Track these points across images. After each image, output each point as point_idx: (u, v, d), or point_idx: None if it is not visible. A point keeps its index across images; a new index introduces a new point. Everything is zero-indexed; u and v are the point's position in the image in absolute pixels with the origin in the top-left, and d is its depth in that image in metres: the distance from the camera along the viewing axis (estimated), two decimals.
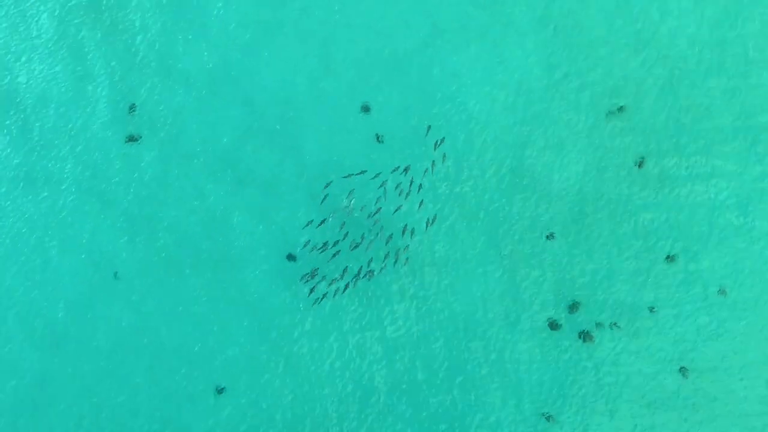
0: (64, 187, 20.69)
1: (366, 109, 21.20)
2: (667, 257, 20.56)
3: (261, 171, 20.95)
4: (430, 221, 20.51)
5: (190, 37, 21.39)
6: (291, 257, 20.60)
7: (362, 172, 20.50)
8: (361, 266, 20.29)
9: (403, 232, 20.53)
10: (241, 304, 20.43)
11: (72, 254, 20.44)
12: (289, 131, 21.09)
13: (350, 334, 20.32)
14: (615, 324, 20.37)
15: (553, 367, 20.27)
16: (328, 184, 20.59)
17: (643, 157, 20.79)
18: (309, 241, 20.49)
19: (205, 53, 21.32)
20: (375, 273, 20.35)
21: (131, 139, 20.97)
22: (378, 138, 21.00)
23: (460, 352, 20.31)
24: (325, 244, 20.38)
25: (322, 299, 20.26)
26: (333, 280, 20.28)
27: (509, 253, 20.62)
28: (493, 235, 20.67)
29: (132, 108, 21.10)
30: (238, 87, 21.23)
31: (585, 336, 20.41)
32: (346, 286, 20.29)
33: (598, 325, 20.43)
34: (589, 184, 20.78)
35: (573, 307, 20.42)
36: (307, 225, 20.50)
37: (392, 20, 21.51)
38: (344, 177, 20.55)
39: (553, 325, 20.43)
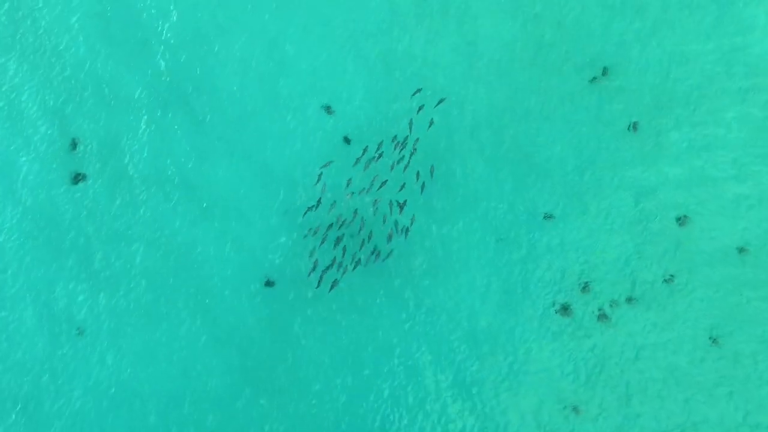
0: (7, 239, 18.84)
1: (329, 109, 19.47)
2: (678, 219, 18.86)
3: (223, 191, 19.18)
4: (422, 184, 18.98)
5: (130, 55, 19.58)
6: (269, 283, 18.80)
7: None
8: (375, 247, 18.86)
9: (401, 207, 19.06)
10: (224, 342, 18.61)
11: (28, 313, 18.56)
12: (247, 144, 19.35)
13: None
14: (631, 299, 18.71)
15: (573, 356, 18.55)
16: (321, 174, 19.14)
17: (636, 121, 19.16)
18: (310, 229, 18.99)
19: (149, 71, 19.53)
20: (380, 255, 18.88)
21: (77, 178, 19.07)
22: (346, 140, 19.27)
23: (469, 361, 18.68)
24: (329, 227, 18.94)
25: (333, 287, 18.63)
26: (339, 263, 18.85)
27: (506, 237, 18.92)
28: (486, 218, 19.03)
29: (74, 144, 19.20)
30: (188, 104, 19.46)
31: (601, 316, 18.73)
32: (357, 264, 18.83)
33: (613, 303, 18.73)
34: (583, 154, 19.11)
35: (584, 288, 18.75)
36: (307, 211, 18.99)
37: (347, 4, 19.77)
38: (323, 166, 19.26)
39: (565, 310, 18.75)
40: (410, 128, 19.16)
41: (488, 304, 18.77)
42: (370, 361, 18.51)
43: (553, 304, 18.71)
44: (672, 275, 18.60)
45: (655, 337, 18.46)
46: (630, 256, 18.84)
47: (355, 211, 19.01)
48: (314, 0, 20.05)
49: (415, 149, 19.09)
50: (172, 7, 19.91)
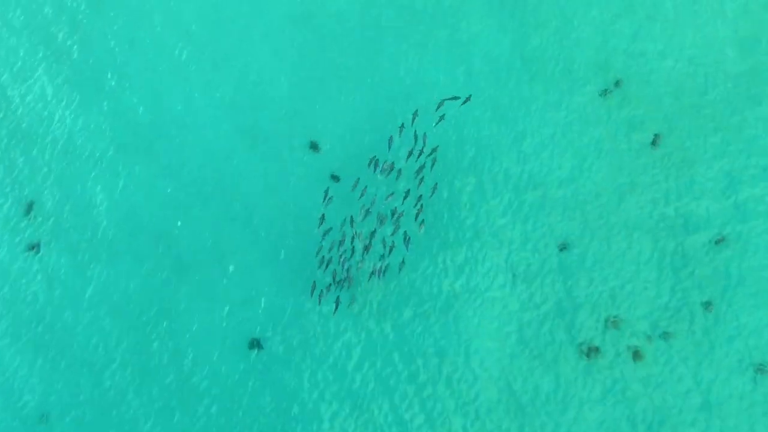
0: None
1: (314, 146, 17.45)
2: (716, 242, 16.70)
3: (200, 247, 17.08)
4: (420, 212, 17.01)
5: (88, 108, 17.62)
6: (255, 344, 16.71)
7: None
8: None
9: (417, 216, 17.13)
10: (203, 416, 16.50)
11: None
12: (224, 192, 17.30)
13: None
14: (667, 333, 16.54)
15: (607, 401, 16.35)
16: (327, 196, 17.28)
17: (657, 134, 17.06)
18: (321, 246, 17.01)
19: (106, 127, 17.51)
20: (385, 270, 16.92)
21: (32, 248, 16.99)
22: (334, 177, 17.20)
23: (488, 417, 16.48)
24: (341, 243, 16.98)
25: (351, 303, 16.72)
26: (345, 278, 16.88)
27: (521, 273, 16.77)
28: (497, 250, 16.89)
29: (29, 208, 17.11)
30: (153, 154, 17.46)
31: (634, 354, 16.56)
32: (379, 271, 16.88)
33: (648, 338, 16.56)
34: (597, 176, 17.02)
35: (613, 323, 16.59)
36: (321, 224, 17.12)
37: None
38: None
39: (592, 351, 16.57)
40: (416, 151, 17.30)
41: (503, 347, 16.61)
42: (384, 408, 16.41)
43: (580, 345, 16.57)
44: (710, 302, 16.46)
45: (694, 372, 16.30)
46: (662, 284, 16.70)
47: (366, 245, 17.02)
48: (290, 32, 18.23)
49: (422, 178, 17.12)
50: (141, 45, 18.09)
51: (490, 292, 16.71)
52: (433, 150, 17.06)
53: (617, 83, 17.14)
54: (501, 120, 17.35)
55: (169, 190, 17.38)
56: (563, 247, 16.75)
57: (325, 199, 17.01)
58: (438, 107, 17.25)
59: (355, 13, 18.32)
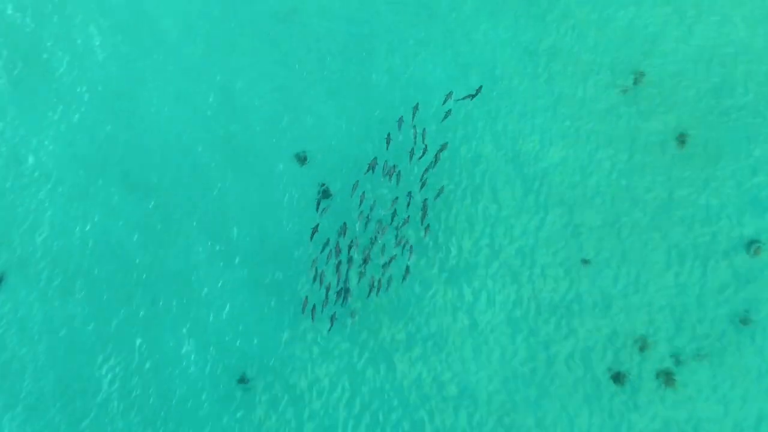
0: None
1: (301, 158, 15.54)
2: (750, 246, 15.05)
3: (176, 272, 15.08)
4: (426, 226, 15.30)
5: (46, 124, 15.52)
6: (243, 380, 14.62)
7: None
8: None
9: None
10: None
11: None
12: (201, 212, 15.36)
13: None
14: (699, 354, 14.81)
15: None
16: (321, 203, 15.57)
17: (682, 133, 15.49)
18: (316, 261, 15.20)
19: (68, 146, 15.43)
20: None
21: None
22: (324, 192, 15.27)
23: None
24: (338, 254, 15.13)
25: (353, 317, 14.78)
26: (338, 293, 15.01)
27: (542, 295, 14.93)
28: (513, 269, 15.01)
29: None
30: (123, 174, 15.57)
31: (666, 379, 14.78)
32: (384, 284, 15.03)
33: (678, 361, 14.82)
34: (621, 182, 15.33)
35: (641, 346, 14.81)
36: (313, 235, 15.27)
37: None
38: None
39: (618, 377, 14.77)
40: (419, 150, 15.56)
41: (519, 380, 14.73)
42: None
43: (608, 371, 14.73)
44: (747, 315, 14.78)
45: (728, 396, 14.56)
46: (691, 299, 14.97)
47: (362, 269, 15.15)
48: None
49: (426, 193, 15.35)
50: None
51: (508, 316, 14.81)
52: (442, 147, 15.26)
53: (636, 80, 15.52)
54: (513, 121, 15.64)
55: (141, 213, 15.34)
56: (586, 262, 14.98)
57: (318, 209, 15.23)
58: (445, 101, 15.52)
59: (344, 8, 16.53)
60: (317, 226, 14.99)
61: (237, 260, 15.11)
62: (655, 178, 15.17)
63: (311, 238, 15.02)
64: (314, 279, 14.89)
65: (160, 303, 14.83)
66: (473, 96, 15.36)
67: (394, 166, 15.25)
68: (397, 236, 15.00)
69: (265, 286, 15.04)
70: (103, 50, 16.24)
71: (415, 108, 15.38)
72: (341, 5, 16.47)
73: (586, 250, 15.06)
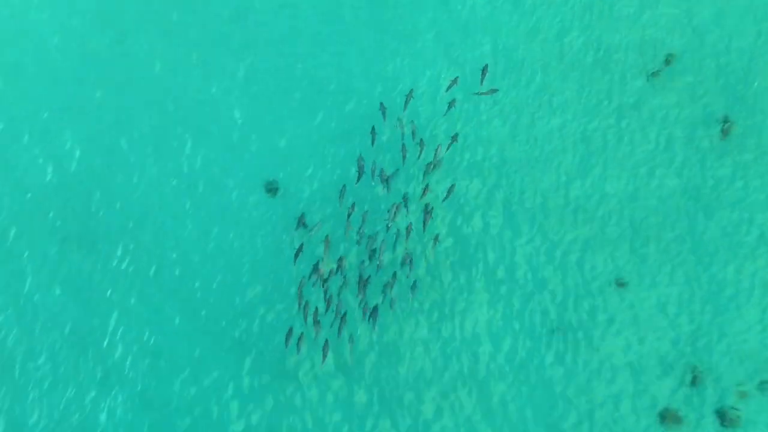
0: None
1: (271, 188, 13.16)
2: None
3: (132, 335, 12.68)
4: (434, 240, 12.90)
5: None
6: None
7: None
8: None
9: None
10: None
11: None
12: (156, 258, 13.07)
13: None
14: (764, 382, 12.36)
15: None
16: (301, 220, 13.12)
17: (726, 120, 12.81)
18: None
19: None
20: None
21: None
22: (301, 222, 12.91)
23: None
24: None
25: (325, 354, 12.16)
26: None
27: (564, 325, 12.49)
28: (533, 299, 12.50)
29: None
30: (59, 215, 13.13)
31: (726, 419, 12.35)
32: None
33: (742, 394, 12.37)
34: (651, 185, 12.79)
35: (692, 380, 12.38)
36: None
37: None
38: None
39: (670, 416, 12.37)
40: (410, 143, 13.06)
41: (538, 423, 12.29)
42: None
43: (661, 413, 12.29)
44: None
45: None
46: (752, 319, 12.39)
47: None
48: None
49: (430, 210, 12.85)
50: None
51: (529, 352, 12.41)
52: (453, 138, 12.95)
53: (668, 61, 12.94)
54: (523, 121, 13.18)
55: (84, 259, 13.04)
56: (621, 284, 12.49)
57: (298, 225, 13.01)
58: (449, 87, 13.19)
59: (312, 2, 14.11)
60: (301, 245, 12.67)
61: (200, 311, 12.81)
62: (703, 181, 12.62)
63: (295, 259, 12.68)
64: (299, 308, 12.54)
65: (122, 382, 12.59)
66: (493, 90, 12.97)
67: (382, 169, 12.90)
68: (404, 258, 12.65)
69: (236, 340, 12.71)
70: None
71: (409, 96, 13.09)
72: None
73: (621, 269, 12.57)
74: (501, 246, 12.62)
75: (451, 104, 13.04)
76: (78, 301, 12.89)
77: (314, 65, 13.74)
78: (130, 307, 12.66)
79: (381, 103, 13.05)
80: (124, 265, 12.89)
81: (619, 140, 12.84)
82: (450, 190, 12.65)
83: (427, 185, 12.73)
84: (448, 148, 12.89)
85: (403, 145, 12.82)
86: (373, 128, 12.92)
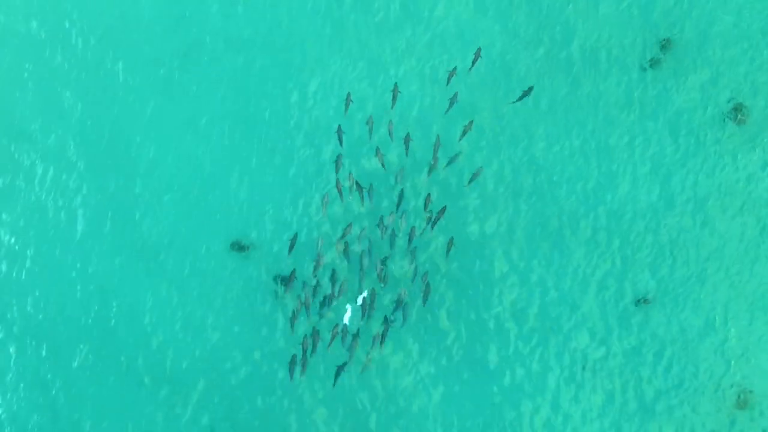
0: None
1: (240, 246, 11.63)
2: None
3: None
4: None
5: None
6: None
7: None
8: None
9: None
10: None
11: None
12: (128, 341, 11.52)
13: None
14: None
15: None
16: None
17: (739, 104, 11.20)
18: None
19: None
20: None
21: None
22: (281, 279, 11.42)
23: None
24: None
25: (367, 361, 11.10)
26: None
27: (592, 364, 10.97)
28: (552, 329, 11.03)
29: None
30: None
31: None
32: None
33: None
34: (667, 187, 11.23)
35: (739, 402, 10.89)
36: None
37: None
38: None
39: None
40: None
41: None
42: None
43: None
44: None
45: None
46: None
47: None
48: None
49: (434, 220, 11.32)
50: None
51: (554, 390, 10.92)
52: (455, 157, 11.44)
53: (664, 46, 11.40)
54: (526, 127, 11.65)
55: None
56: (645, 301, 10.96)
57: (291, 249, 11.48)
58: (448, 80, 11.62)
59: (265, 21, 12.53)
60: (295, 236, 11.33)
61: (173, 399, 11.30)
62: (707, 166, 11.14)
63: (292, 325, 11.19)
64: (291, 325, 11.26)
65: None
66: (527, 93, 11.44)
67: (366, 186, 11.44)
68: (414, 273, 11.22)
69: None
70: None
71: (394, 90, 11.58)
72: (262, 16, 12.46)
73: (647, 286, 11.04)
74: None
75: (453, 100, 11.46)
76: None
77: (271, 105, 12.16)
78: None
79: (339, 126, 11.49)
80: (90, 361, 11.45)
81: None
82: (475, 174, 11.22)
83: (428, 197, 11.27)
84: (448, 164, 11.31)
85: (378, 148, 11.36)
86: (339, 127, 11.49)
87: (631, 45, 11.43)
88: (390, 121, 11.50)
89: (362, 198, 11.34)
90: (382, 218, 11.19)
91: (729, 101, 11.08)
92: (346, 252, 11.24)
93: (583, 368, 10.88)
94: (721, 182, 10.95)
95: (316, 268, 11.28)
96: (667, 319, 10.83)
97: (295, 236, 11.33)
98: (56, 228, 12.10)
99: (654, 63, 11.25)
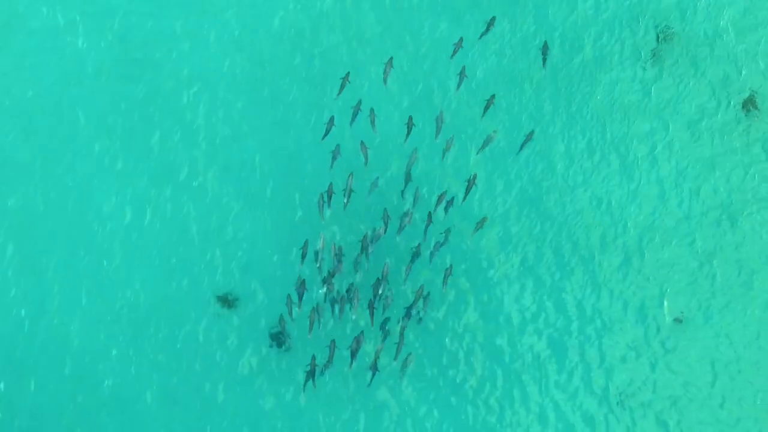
0: None
1: (226, 301, 10.51)
2: None
3: None
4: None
5: None
6: None
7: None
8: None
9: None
10: None
11: None
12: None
13: None
14: None
15: None
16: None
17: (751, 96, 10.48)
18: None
19: None
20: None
21: None
22: (278, 337, 10.33)
23: None
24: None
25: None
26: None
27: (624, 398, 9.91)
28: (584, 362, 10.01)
29: None
30: None
31: None
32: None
33: None
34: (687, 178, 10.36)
35: None
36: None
37: None
38: None
39: None
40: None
41: None
42: None
43: None
44: None
45: None
46: None
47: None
48: None
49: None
50: None
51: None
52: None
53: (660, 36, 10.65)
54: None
55: None
56: (679, 320, 10.00)
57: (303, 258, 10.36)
58: (454, 52, 10.71)
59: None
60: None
61: None
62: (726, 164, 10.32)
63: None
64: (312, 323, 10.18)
65: None
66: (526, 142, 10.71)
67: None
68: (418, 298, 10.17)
69: None
70: None
71: (388, 64, 10.69)
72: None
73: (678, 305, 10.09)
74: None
75: (461, 76, 10.54)
76: None
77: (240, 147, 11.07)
78: None
79: (337, 146, 10.46)
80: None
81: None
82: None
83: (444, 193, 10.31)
84: (466, 194, 10.32)
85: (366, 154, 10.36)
86: (331, 118, 10.52)
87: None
88: (371, 109, 10.39)
89: (347, 199, 10.28)
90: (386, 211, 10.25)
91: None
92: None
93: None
94: None
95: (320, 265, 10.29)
96: None
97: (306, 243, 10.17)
98: None
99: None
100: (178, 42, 11.25)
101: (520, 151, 10.47)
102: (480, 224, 10.23)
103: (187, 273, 10.57)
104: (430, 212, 10.19)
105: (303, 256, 10.22)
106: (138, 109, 11.15)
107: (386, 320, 10.04)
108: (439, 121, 10.44)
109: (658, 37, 10.61)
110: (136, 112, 11.16)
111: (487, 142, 10.44)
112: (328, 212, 10.39)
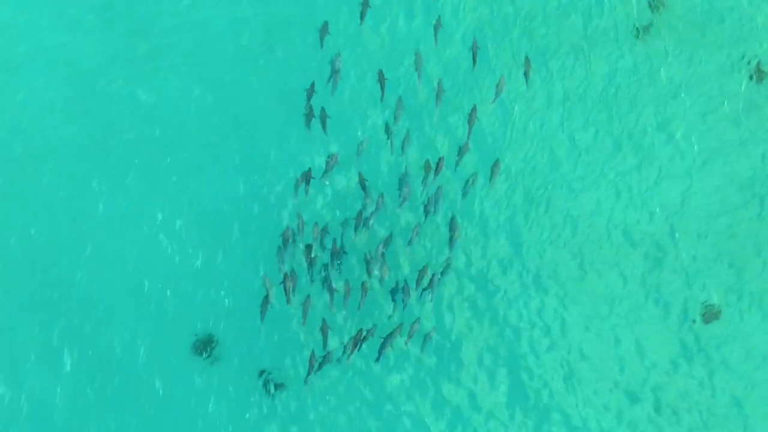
0: None
1: (206, 346, 9.69)
2: None
3: None
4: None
5: None
6: None
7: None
8: None
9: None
10: None
11: None
12: None
13: None
14: None
15: None
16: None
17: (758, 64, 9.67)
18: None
19: None
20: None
21: None
22: (275, 387, 9.53)
23: None
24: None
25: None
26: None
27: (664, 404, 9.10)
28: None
29: None
30: None
31: None
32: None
33: None
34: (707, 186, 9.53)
35: None
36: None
37: None
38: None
39: None
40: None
41: None
42: None
43: None
44: None
45: None
46: None
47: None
48: None
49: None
50: None
51: None
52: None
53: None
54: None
55: None
56: (708, 319, 9.18)
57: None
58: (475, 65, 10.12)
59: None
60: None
61: None
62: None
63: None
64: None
65: None
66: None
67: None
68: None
69: None
70: None
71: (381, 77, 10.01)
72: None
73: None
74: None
75: (474, 50, 9.93)
76: None
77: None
78: None
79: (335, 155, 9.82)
80: None
81: None
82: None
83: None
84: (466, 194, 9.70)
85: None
86: (312, 84, 9.89)
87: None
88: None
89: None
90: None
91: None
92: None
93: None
94: None
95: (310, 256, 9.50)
96: None
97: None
98: None
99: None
100: None
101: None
102: (494, 171, 9.66)
103: None
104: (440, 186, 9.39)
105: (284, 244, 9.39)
106: None
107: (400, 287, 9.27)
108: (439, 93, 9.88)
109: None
110: None
111: (498, 92, 9.77)
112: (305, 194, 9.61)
